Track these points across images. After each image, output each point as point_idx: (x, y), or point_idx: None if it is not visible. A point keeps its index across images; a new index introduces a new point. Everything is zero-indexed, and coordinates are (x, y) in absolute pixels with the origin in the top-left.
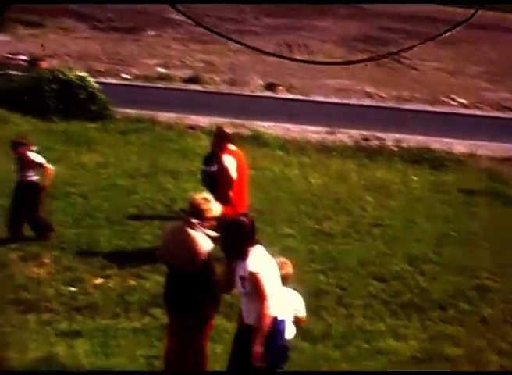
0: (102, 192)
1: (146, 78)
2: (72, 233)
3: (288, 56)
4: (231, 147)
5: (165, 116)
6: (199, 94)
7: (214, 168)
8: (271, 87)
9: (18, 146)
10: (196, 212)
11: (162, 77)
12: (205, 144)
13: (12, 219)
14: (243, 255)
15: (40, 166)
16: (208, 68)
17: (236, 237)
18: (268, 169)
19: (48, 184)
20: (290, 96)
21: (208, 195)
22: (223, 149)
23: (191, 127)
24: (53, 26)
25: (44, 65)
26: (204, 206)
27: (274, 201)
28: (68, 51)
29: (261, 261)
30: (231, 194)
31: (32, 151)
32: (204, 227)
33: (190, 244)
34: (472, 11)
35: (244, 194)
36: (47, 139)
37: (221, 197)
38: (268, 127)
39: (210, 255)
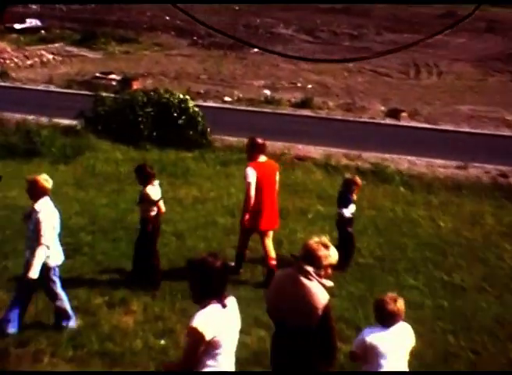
0: (199, 231)
1: (250, 101)
2: (165, 278)
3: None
4: (262, 158)
5: (271, 145)
6: (310, 121)
7: (349, 210)
8: (393, 113)
9: (149, 176)
10: (311, 258)
11: (269, 101)
12: (317, 178)
13: (134, 258)
14: (200, 304)
15: (154, 203)
16: (320, 90)
17: (198, 280)
18: (389, 209)
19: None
20: (415, 124)
21: (325, 239)
22: (251, 159)
23: (301, 158)
24: (148, 42)
25: (137, 85)
26: (321, 252)
27: (396, 246)
28: (164, 70)
29: (213, 320)
30: (247, 207)
31: (153, 185)
32: (321, 276)
33: (306, 296)
34: None
35: (269, 213)
36: None
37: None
38: (389, 160)
39: (328, 308)
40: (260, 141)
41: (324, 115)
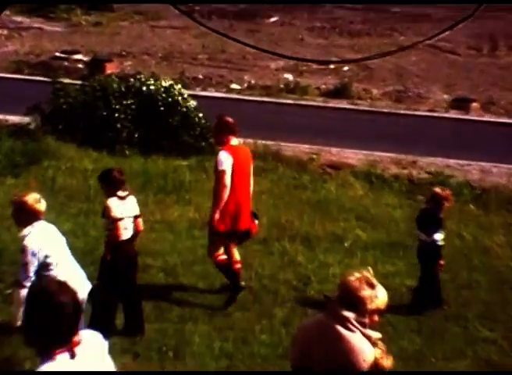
0: (197, 266)
1: (266, 89)
2: (154, 330)
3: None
4: (234, 141)
5: (294, 149)
6: (347, 115)
7: (441, 235)
8: (460, 103)
9: (114, 183)
10: (352, 301)
11: (291, 88)
12: (356, 192)
13: None
14: (42, 355)
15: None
16: (361, 74)
17: (38, 319)
18: (455, 233)
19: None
20: (490, 118)
21: (369, 275)
22: (221, 143)
23: (334, 166)
24: (127, 9)
25: (112, 68)
26: (365, 292)
27: (464, 285)
28: (148, 47)
29: None
30: (219, 204)
31: (120, 196)
32: (364, 325)
33: (345, 352)
34: None
35: (244, 207)
36: None
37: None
38: (454, 167)
39: (374, 368)
40: (230, 119)
41: (365, 107)
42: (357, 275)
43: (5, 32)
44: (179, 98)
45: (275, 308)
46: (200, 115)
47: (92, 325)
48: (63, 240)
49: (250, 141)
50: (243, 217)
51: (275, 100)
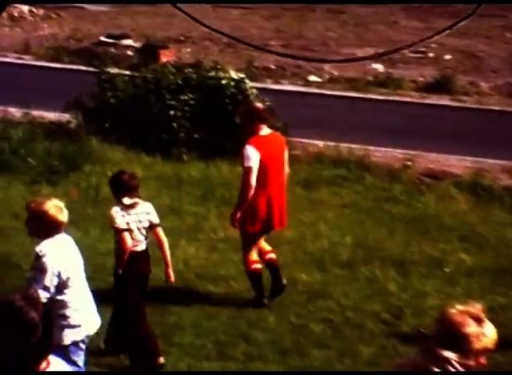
0: (266, 292)
1: (352, 82)
2: (215, 369)
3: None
4: (265, 131)
5: (384, 154)
6: (449, 114)
7: None
8: None
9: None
10: (453, 339)
11: (382, 81)
12: (460, 207)
13: None
14: None
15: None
16: (467, 63)
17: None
18: None
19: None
20: None
21: (476, 308)
22: (250, 133)
23: (433, 176)
24: None
25: (168, 56)
26: (471, 329)
27: None
28: (208, 31)
29: None
30: (242, 204)
31: (126, 204)
32: (469, 369)
33: None
34: None
35: (277, 203)
36: (167, 191)
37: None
38: None
39: None
40: (259, 105)
41: (472, 104)
42: (461, 307)
43: (41, 12)
44: (250, 92)
45: (360, 346)
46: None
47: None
48: (81, 261)
49: (331, 143)
50: (276, 215)
51: (361, 95)
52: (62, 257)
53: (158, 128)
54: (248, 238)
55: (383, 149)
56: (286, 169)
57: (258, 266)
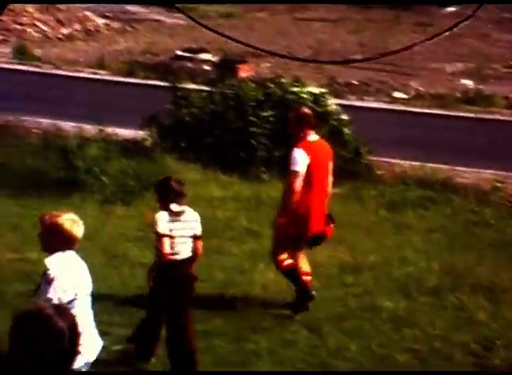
0: (348, 322)
1: (439, 100)
2: None
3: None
4: (312, 137)
5: (472, 175)
6: None
7: None
8: None
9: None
10: None
11: (472, 98)
12: None
13: None
14: None
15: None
16: None
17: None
18: None
19: None
20: None
21: None
22: (298, 139)
23: None
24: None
25: (247, 71)
26: None
27: None
28: (291, 44)
29: None
30: (287, 208)
31: (173, 210)
32: None
33: None
34: None
35: (318, 209)
36: (245, 212)
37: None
38: None
39: None
40: (307, 110)
41: None
42: None
43: (116, 25)
44: (330, 108)
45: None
46: (353, 131)
47: None
48: (90, 282)
49: (416, 163)
50: (314, 221)
51: (449, 113)
52: (71, 273)
53: (236, 146)
54: (280, 240)
55: (472, 170)
56: (331, 178)
57: (289, 261)
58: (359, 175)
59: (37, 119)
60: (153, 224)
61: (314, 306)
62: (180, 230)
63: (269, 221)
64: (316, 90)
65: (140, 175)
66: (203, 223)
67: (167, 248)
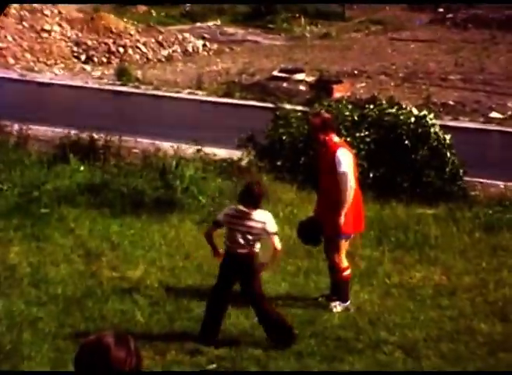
0: (444, 344)
1: None
2: None
3: None
4: (336, 138)
5: None
6: None
7: None
8: None
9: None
10: None
11: None
12: None
13: None
14: None
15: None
16: None
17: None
18: None
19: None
20: None
21: None
22: (324, 142)
23: None
24: (361, 18)
25: (342, 91)
26: None
27: None
28: (387, 65)
29: None
30: (346, 207)
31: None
32: None
33: None
34: None
35: (361, 210)
36: None
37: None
38: None
39: None
40: (330, 116)
41: None
42: None
43: (215, 46)
44: (431, 130)
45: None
46: (453, 151)
47: None
48: None
49: (501, 184)
50: (361, 217)
51: None
52: None
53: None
54: (339, 242)
55: None
56: None
57: (349, 271)
58: (454, 196)
59: (137, 139)
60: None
61: (410, 328)
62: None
63: (363, 242)
64: (419, 112)
65: (236, 195)
66: (298, 245)
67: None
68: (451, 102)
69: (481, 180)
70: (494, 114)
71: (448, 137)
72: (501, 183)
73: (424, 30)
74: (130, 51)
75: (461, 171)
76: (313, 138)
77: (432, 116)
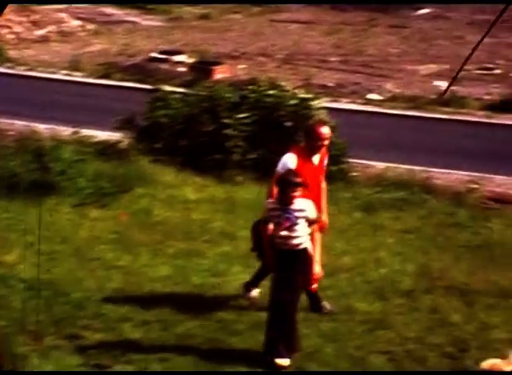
0: (321, 324)
1: (413, 101)
2: None
3: None
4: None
5: (447, 177)
6: None
7: None
8: None
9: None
10: None
11: (446, 100)
12: None
13: None
14: None
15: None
16: None
17: None
18: None
19: None
20: None
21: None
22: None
23: (500, 199)
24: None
25: (223, 73)
26: None
27: None
28: (267, 46)
29: None
30: None
31: None
32: None
33: None
34: None
35: None
36: (220, 215)
37: None
38: None
39: None
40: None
41: None
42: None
43: (92, 26)
44: (314, 112)
45: None
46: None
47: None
48: None
49: (391, 165)
50: None
51: (423, 114)
52: None
53: (211, 148)
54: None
55: (447, 171)
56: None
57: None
58: (333, 177)
59: (12, 121)
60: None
61: None
62: None
63: (244, 223)
64: (300, 93)
65: (115, 177)
66: (178, 227)
67: None
68: (331, 84)
69: (361, 161)
70: (373, 96)
71: (330, 118)
72: (380, 164)
73: (304, 12)
74: (5, 31)
75: (341, 153)
76: (318, 148)
77: (314, 98)
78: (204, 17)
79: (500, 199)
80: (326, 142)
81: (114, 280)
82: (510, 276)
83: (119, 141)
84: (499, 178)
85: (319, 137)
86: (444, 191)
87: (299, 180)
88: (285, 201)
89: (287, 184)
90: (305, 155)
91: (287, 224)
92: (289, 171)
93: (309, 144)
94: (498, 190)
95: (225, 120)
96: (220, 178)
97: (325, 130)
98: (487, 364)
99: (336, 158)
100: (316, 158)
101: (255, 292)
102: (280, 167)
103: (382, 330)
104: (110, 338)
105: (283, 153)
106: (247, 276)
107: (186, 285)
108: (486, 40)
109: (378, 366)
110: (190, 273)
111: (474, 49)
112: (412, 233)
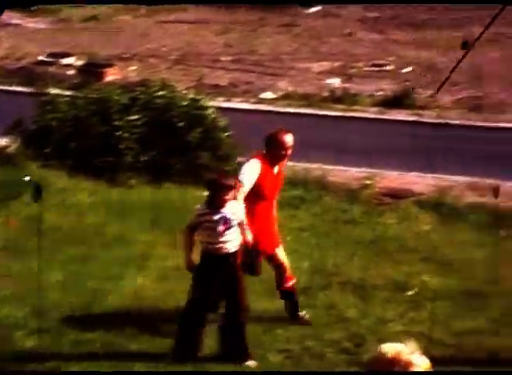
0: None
1: (306, 99)
2: None
3: None
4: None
5: (342, 174)
6: (409, 130)
7: None
8: None
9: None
10: None
11: (338, 97)
12: (422, 228)
13: None
14: None
15: None
16: (426, 76)
17: None
18: None
19: None
20: None
21: (406, 349)
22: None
23: (394, 195)
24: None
25: (114, 74)
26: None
27: None
28: (158, 47)
29: None
30: None
31: None
32: None
33: None
34: None
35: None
36: (113, 218)
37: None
38: None
39: None
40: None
41: (432, 118)
42: (394, 347)
43: None
44: (205, 112)
45: None
46: (227, 133)
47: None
48: None
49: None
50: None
51: (317, 112)
52: None
53: (103, 151)
54: None
55: (341, 168)
56: None
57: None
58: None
59: None
60: None
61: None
62: None
63: (139, 226)
64: (191, 94)
65: (3, 183)
66: (71, 233)
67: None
68: (223, 83)
69: None
70: (266, 94)
71: (222, 118)
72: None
73: (194, 12)
74: None
75: (236, 152)
76: (282, 157)
77: (206, 98)
78: (93, 19)
79: (394, 194)
80: (289, 151)
81: (4, 289)
82: (405, 270)
83: (6, 146)
84: (392, 173)
85: (282, 146)
86: (339, 187)
87: (230, 182)
88: (217, 204)
89: (219, 187)
90: (267, 164)
91: (224, 228)
92: (219, 174)
93: (272, 152)
94: (392, 185)
95: (116, 122)
96: (113, 181)
97: (289, 139)
98: (391, 352)
99: (227, 157)
100: (276, 168)
101: None
102: (243, 174)
103: (279, 329)
104: (2, 347)
105: (175, 154)
106: (141, 280)
107: (80, 290)
108: (376, 37)
109: (277, 364)
110: (84, 278)
111: (459, 61)
112: (307, 230)
